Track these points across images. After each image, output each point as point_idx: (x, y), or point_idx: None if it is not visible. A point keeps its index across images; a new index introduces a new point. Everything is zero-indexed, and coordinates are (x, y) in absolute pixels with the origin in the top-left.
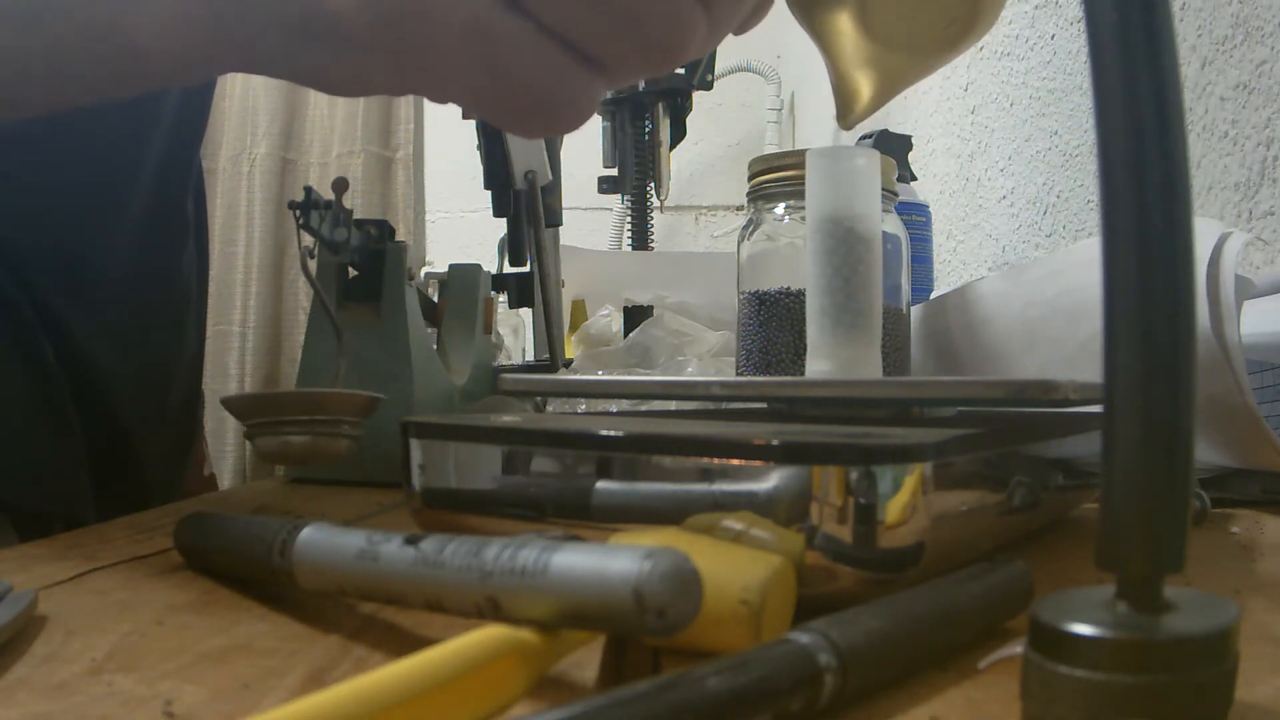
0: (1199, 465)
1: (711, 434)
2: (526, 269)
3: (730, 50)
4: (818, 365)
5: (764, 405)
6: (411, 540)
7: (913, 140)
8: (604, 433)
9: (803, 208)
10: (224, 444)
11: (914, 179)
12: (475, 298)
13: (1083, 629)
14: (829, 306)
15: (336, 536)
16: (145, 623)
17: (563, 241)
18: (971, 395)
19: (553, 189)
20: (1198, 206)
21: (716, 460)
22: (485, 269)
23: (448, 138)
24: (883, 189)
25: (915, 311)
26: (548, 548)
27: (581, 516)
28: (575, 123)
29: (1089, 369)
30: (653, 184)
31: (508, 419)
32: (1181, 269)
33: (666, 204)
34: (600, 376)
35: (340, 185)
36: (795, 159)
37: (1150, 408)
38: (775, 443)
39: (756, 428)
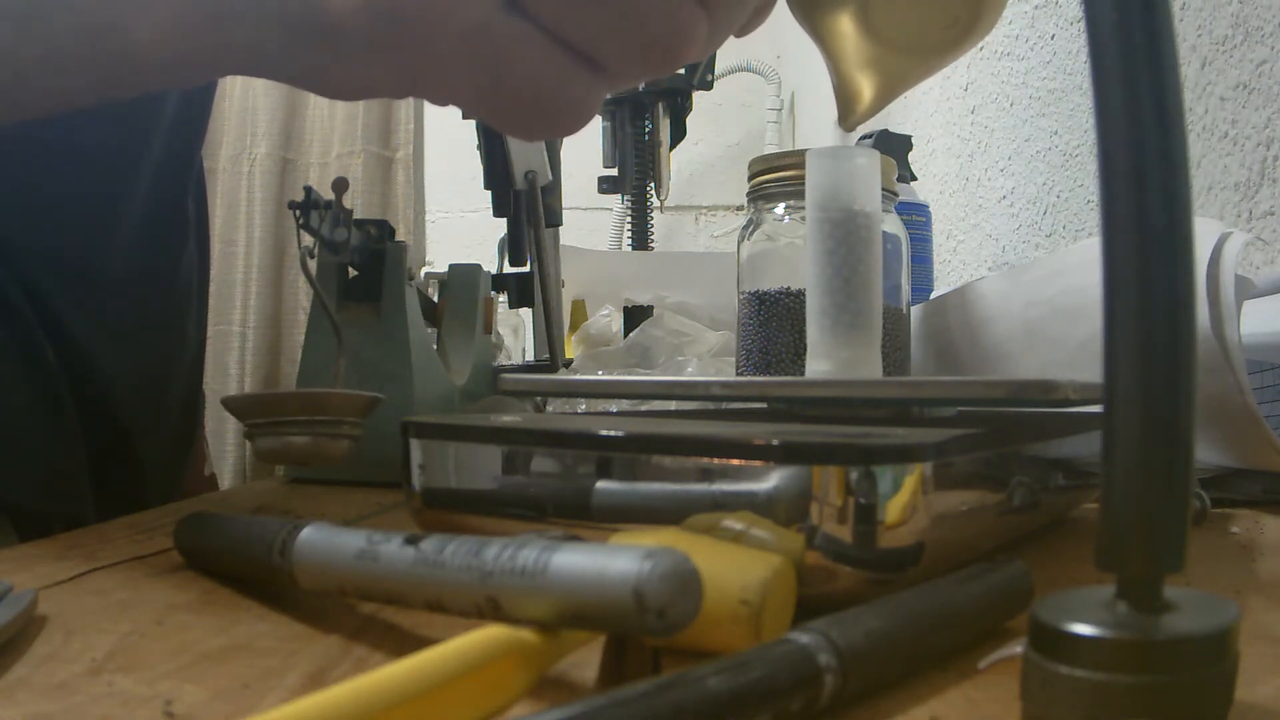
0: (1199, 465)
1: (711, 434)
2: (526, 269)
3: (730, 50)
4: (818, 365)
5: (764, 405)
6: (411, 540)
7: (913, 140)
8: (604, 433)
9: (803, 208)
10: (224, 444)
11: (914, 179)
12: (475, 298)
13: (1083, 629)
14: (829, 306)
15: (336, 536)
16: (145, 623)
17: (563, 241)
18: (971, 395)
19: (553, 189)
20: (1198, 206)
21: (716, 460)
22: (485, 269)
23: (448, 138)
24: (883, 189)
25: (915, 311)
26: (548, 548)
27: (581, 516)
28: (577, 125)
29: (1089, 369)
30: (653, 184)
31: (508, 419)
32: (1181, 269)
33: (666, 204)
34: (600, 376)
35: (340, 185)
36: (795, 159)
37: (1150, 408)
38: (775, 443)
39: (756, 428)
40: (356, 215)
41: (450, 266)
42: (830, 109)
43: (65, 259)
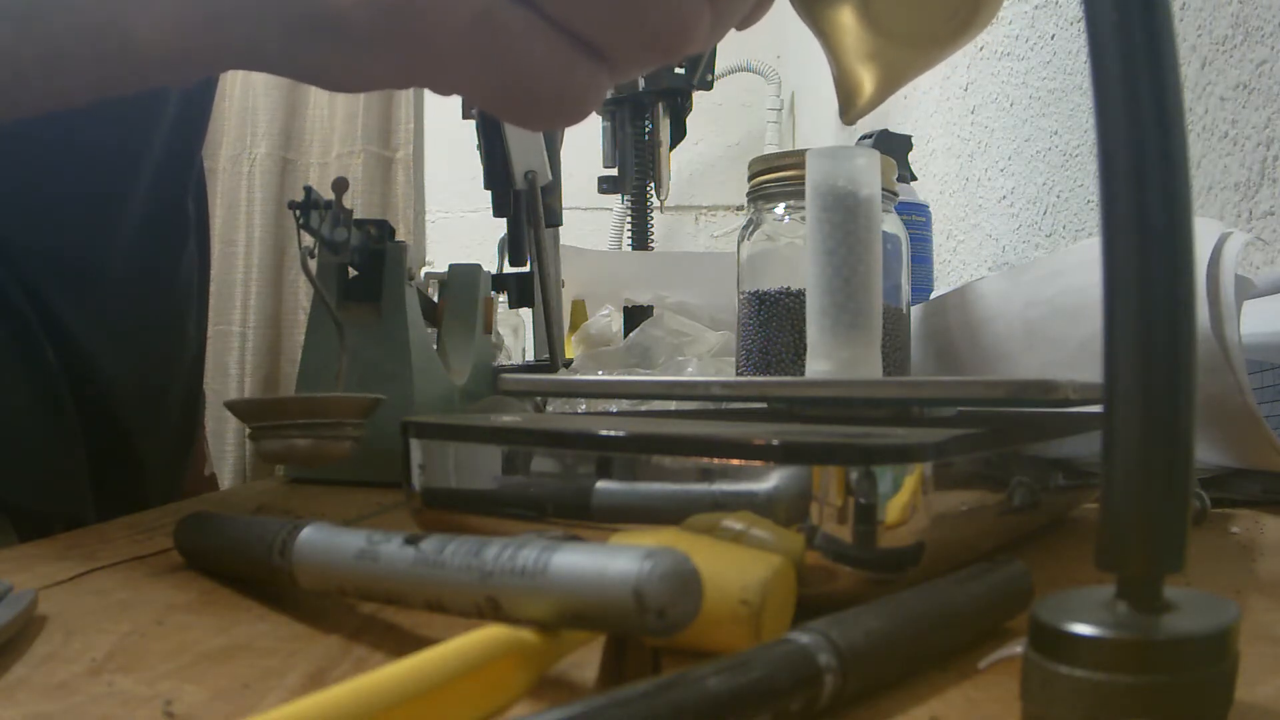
0: (1199, 465)
1: (711, 434)
2: (526, 269)
3: (730, 50)
4: (818, 365)
5: (764, 405)
6: (411, 540)
7: (913, 140)
8: (604, 433)
9: (803, 208)
10: (224, 444)
11: (914, 179)
12: (475, 298)
13: (1083, 629)
14: (829, 306)
15: (336, 536)
16: (145, 623)
17: (563, 241)
18: (971, 395)
19: (553, 189)
20: (1198, 206)
21: (716, 460)
22: (485, 269)
23: (448, 138)
24: (883, 189)
25: (915, 311)
26: (548, 548)
27: (581, 516)
28: (579, 115)
29: (1089, 369)
30: (653, 184)
31: (508, 419)
32: (1181, 269)
33: (666, 204)
34: (600, 376)
35: (340, 185)
36: (795, 159)
37: (1150, 408)
38: (775, 443)
39: (756, 428)
40: (356, 215)
41: (450, 266)
42: (830, 109)
43: (65, 259)
